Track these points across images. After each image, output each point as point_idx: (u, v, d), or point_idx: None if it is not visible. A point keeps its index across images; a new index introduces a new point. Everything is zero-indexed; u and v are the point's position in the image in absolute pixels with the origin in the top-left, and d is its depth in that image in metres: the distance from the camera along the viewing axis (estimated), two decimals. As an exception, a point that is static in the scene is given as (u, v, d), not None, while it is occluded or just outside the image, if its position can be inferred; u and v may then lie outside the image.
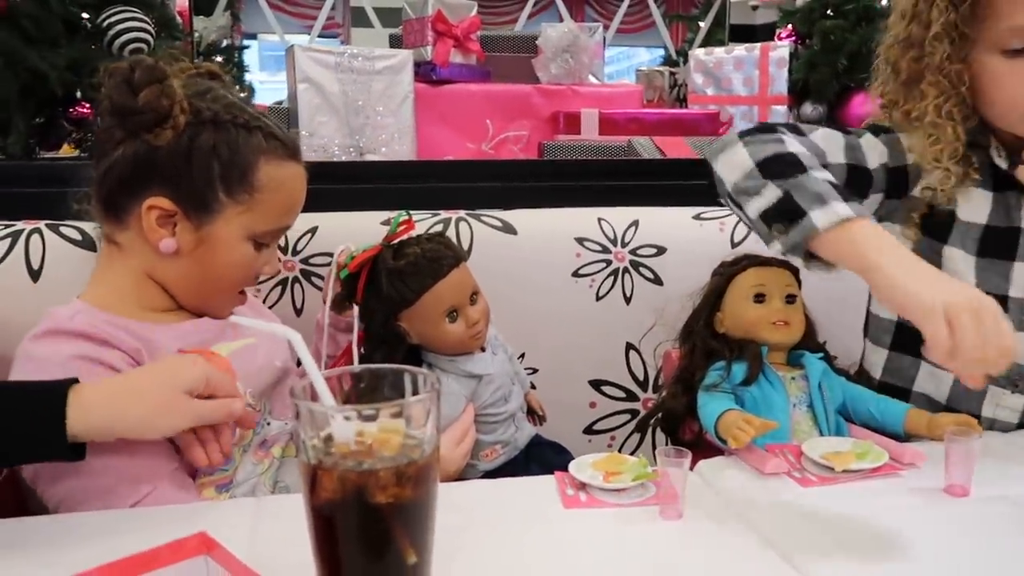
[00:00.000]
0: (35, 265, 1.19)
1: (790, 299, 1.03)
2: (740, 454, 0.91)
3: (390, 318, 1.02)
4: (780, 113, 2.44)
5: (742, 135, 0.92)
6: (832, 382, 1.02)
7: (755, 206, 0.85)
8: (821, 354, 1.04)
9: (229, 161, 0.89)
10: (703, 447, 1.00)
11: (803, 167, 0.84)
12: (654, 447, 1.48)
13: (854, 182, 0.96)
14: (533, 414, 1.19)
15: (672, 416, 1.06)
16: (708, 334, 1.06)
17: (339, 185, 1.52)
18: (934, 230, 0.99)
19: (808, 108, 2.44)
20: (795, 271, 1.08)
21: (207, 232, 0.90)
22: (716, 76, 2.57)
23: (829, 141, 0.97)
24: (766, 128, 0.93)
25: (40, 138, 1.80)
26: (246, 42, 4.75)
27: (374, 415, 0.58)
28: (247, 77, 3.78)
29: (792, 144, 0.89)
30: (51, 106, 1.74)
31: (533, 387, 1.25)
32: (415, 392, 0.62)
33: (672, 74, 2.96)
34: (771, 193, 0.84)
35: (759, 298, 1.03)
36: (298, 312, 1.33)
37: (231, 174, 0.89)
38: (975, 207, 0.99)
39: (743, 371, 1.00)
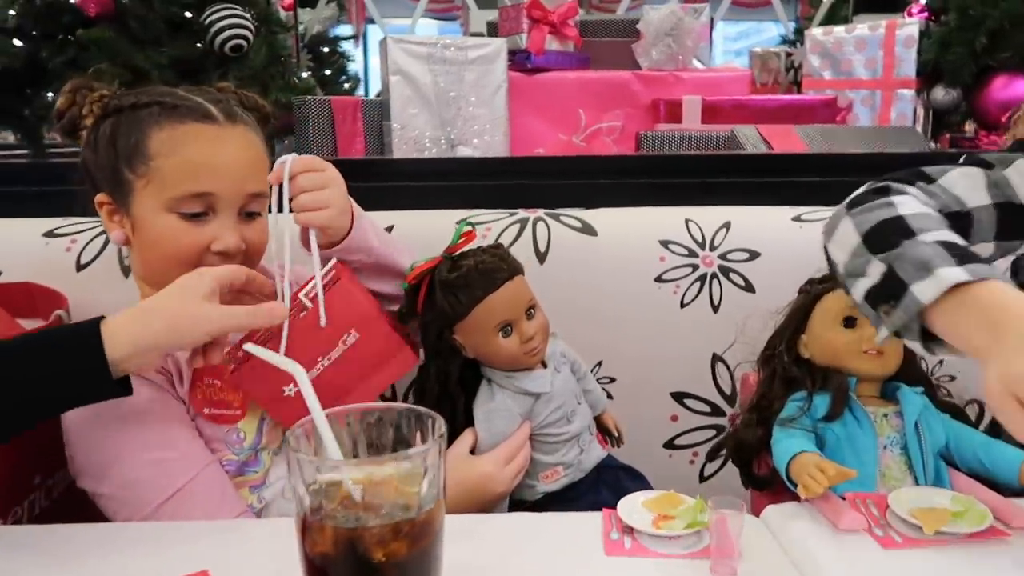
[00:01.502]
0: (127, 262, 1.23)
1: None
2: (815, 503, 0.80)
3: (444, 332, 0.99)
4: (907, 98, 2.21)
5: (850, 204, 0.80)
6: (933, 421, 0.89)
7: (860, 288, 0.73)
8: (922, 387, 0.91)
9: (125, 142, 0.91)
10: (778, 486, 0.90)
11: (910, 232, 0.71)
12: (741, 471, 1.38)
13: (1007, 224, 0.82)
14: (608, 435, 1.13)
15: (745, 448, 0.96)
16: (790, 359, 0.95)
17: (414, 183, 1.49)
18: None
19: (940, 93, 2.20)
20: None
21: (134, 215, 0.92)
22: (835, 57, 2.36)
23: (966, 181, 0.82)
24: (879, 190, 0.81)
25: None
26: (368, 27, 4.82)
27: (370, 466, 0.53)
28: (354, 67, 3.82)
29: (906, 204, 0.76)
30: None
31: (610, 396, 1.17)
32: (422, 437, 0.57)
33: (788, 55, 2.75)
34: (875, 270, 0.72)
35: (849, 322, 0.92)
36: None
37: (128, 153, 0.90)
38: None
39: (826, 405, 0.88)
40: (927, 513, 0.76)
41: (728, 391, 1.36)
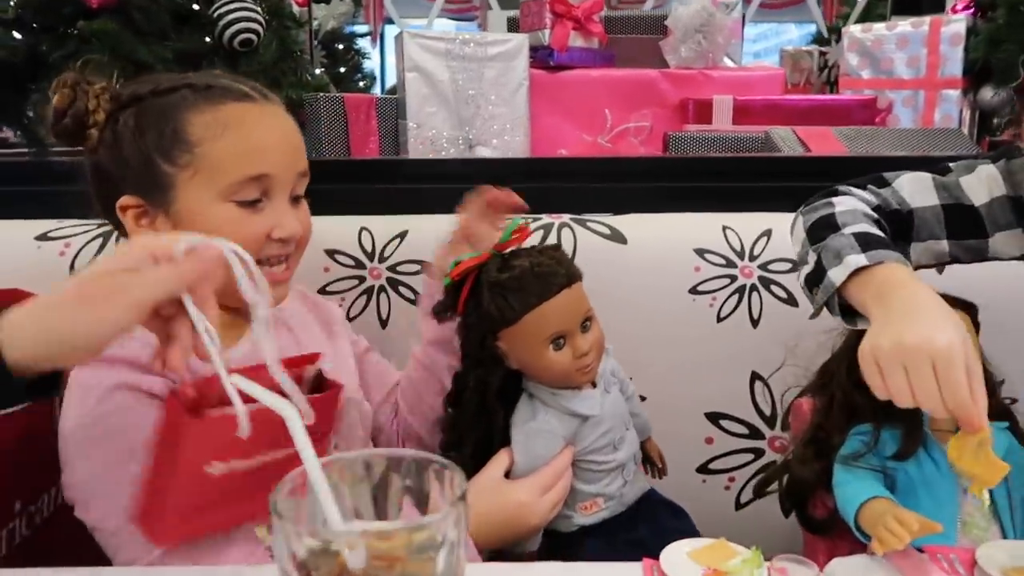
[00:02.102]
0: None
1: (964, 348, 0.80)
2: (891, 558, 0.70)
3: (488, 337, 0.89)
4: (952, 99, 2.10)
5: (805, 204, 0.94)
6: (1021, 460, 0.78)
7: (802, 274, 0.87)
8: (1007, 423, 0.80)
9: (157, 132, 0.81)
10: (839, 530, 0.79)
11: (837, 227, 0.84)
12: (781, 501, 1.28)
13: (957, 223, 0.91)
14: (651, 465, 1.04)
15: (799, 487, 0.86)
16: (851, 385, 0.84)
17: (431, 185, 1.40)
18: None
19: (988, 93, 2.09)
20: (973, 311, 0.84)
21: (176, 211, 0.82)
22: (874, 56, 2.25)
23: (914, 184, 0.93)
24: (829, 192, 0.94)
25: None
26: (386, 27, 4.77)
27: (373, 538, 0.43)
28: (369, 64, 3.75)
29: (842, 204, 0.89)
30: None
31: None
32: (439, 493, 0.47)
33: (822, 54, 2.64)
34: (812, 259, 0.85)
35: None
36: (383, 324, 1.23)
37: (164, 144, 0.81)
38: None
39: (896, 440, 0.78)
40: (1025, 574, 0.65)
41: (768, 412, 1.26)
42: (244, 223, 0.82)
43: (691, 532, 0.96)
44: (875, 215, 0.89)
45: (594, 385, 0.92)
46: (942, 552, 0.71)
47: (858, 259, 0.77)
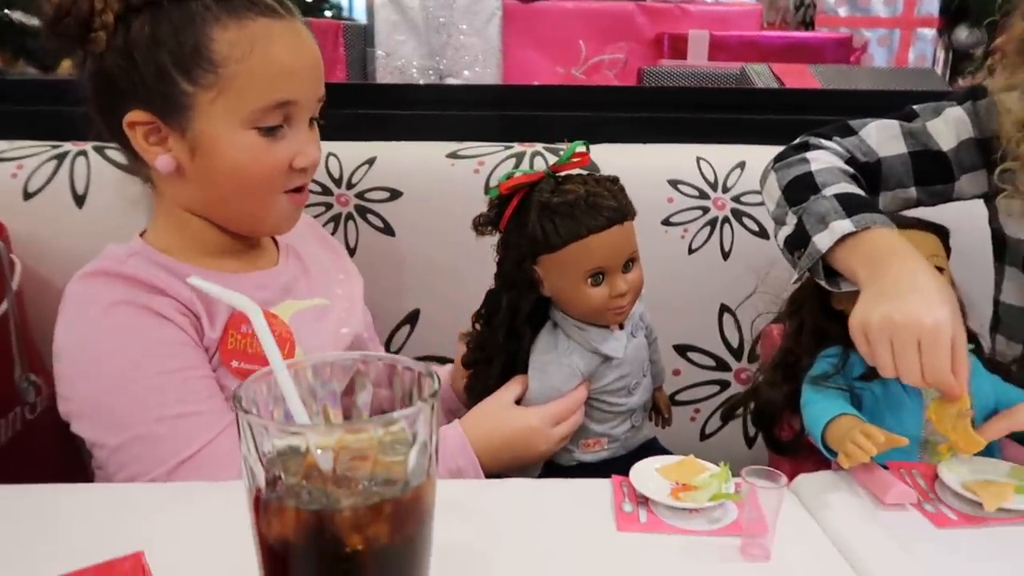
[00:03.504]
0: (80, 190, 1.11)
1: (934, 273, 0.80)
2: (855, 473, 0.71)
3: (527, 259, 0.86)
4: (927, 38, 2.09)
5: (777, 159, 0.93)
6: (982, 381, 0.79)
7: (782, 235, 0.86)
8: (972, 345, 0.81)
9: (176, 44, 0.75)
10: (804, 451, 0.81)
11: (816, 187, 0.84)
12: (746, 434, 1.30)
13: (925, 170, 0.92)
14: (657, 414, 1.03)
15: (768, 409, 0.87)
16: (821, 311, 0.85)
17: (401, 111, 1.36)
18: None
19: (963, 33, 2.08)
20: (944, 235, 0.84)
21: (194, 134, 0.78)
22: (852, -7, 2.22)
23: (882, 133, 0.93)
24: (799, 146, 0.93)
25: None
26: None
27: (343, 432, 0.42)
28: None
29: (818, 160, 0.88)
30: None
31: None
32: (408, 396, 0.46)
33: (799, -8, 2.60)
34: (791, 220, 0.84)
35: (891, 270, 0.81)
36: (352, 251, 1.21)
37: (184, 59, 0.75)
38: None
39: (863, 362, 0.78)
40: (985, 487, 0.66)
41: (736, 344, 1.27)
42: (266, 152, 0.79)
43: None
44: (851, 169, 0.88)
45: (621, 327, 0.90)
46: (904, 467, 0.72)
47: (844, 225, 0.76)
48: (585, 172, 0.88)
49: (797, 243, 0.82)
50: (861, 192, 0.83)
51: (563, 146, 1.27)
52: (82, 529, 0.62)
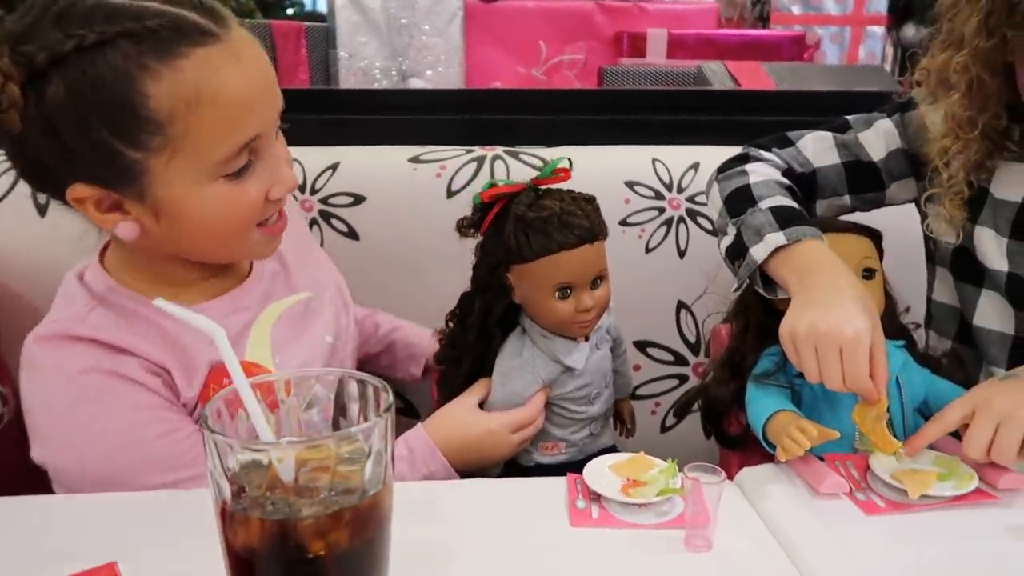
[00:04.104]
0: (42, 199, 1.12)
1: (867, 274, 0.86)
2: (792, 465, 0.76)
3: (500, 266, 0.90)
4: (877, 36, 2.15)
5: (719, 170, 0.99)
6: (913, 375, 0.84)
7: (723, 245, 0.91)
8: (903, 341, 0.86)
9: (106, 110, 0.64)
10: (751, 445, 0.85)
11: (753, 200, 0.88)
12: (703, 424, 1.35)
13: (857, 179, 0.97)
14: (620, 423, 1.07)
15: (716, 405, 0.91)
16: (764, 311, 0.89)
17: (363, 116, 1.38)
18: (967, 207, 0.89)
19: (910, 31, 2.14)
20: (877, 238, 0.89)
21: (155, 199, 0.69)
22: (805, -9, 2.28)
23: (817, 145, 0.98)
24: (739, 158, 0.99)
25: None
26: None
27: (303, 447, 0.45)
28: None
29: (756, 172, 0.93)
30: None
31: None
32: (363, 409, 0.49)
33: (755, -11, 2.66)
34: (731, 231, 0.89)
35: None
36: (316, 257, 1.22)
37: (120, 125, 0.65)
38: (1011, 183, 0.87)
39: (803, 360, 0.82)
40: (910, 476, 0.71)
41: (692, 340, 1.32)
42: (238, 196, 0.71)
43: None
44: (786, 181, 0.94)
45: (587, 339, 0.93)
46: (839, 459, 0.77)
47: (777, 237, 0.82)
48: (564, 188, 0.91)
49: (736, 253, 0.87)
50: (795, 204, 0.88)
51: (524, 149, 1.30)
52: (55, 540, 0.64)
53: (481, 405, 0.91)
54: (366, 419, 0.47)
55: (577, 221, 0.86)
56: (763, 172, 0.93)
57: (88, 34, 0.63)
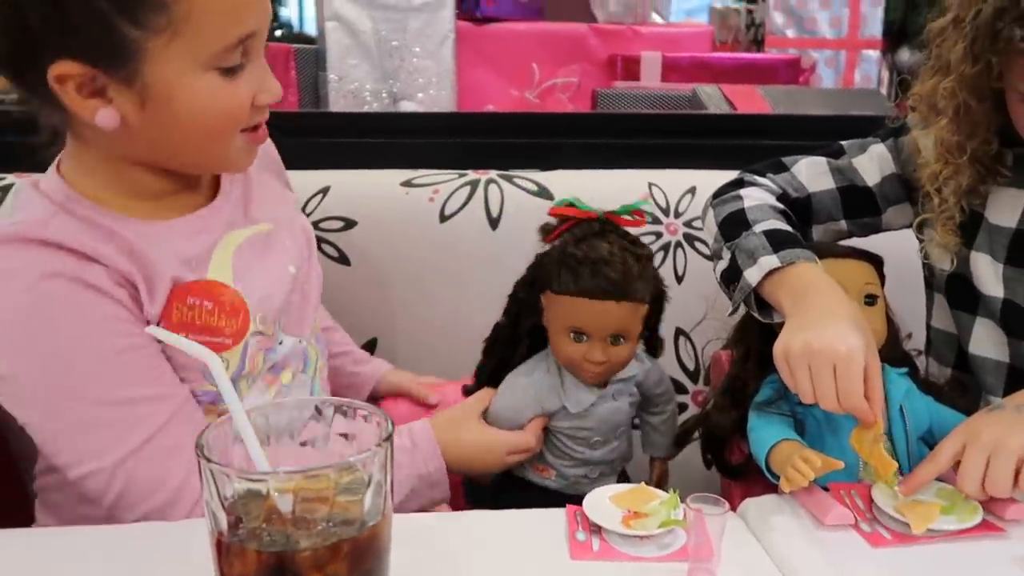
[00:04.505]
0: None
1: (869, 300, 0.87)
2: (797, 496, 0.76)
3: (537, 286, 0.94)
4: (872, 59, 2.19)
5: (715, 195, 1.01)
6: (917, 403, 0.85)
7: (718, 269, 0.93)
8: (906, 368, 0.87)
9: None
10: (753, 475, 0.86)
11: (748, 224, 0.90)
12: (703, 455, 1.35)
13: (852, 204, 0.99)
14: (657, 485, 1.02)
15: (717, 434, 0.92)
16: (764, 337, 0.90)
17: (354, 139, 1.39)
18: (961, 233, 0.90)
19: (905, 55, 2.19)
20: (878, 264, 0.90)
21: (145, 84, 0.69)
22: (799, 15, 2.33)
23: (811, 170, 1.00)
24: (734, 183, 1.01)
25: None
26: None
27: (302, 477, 0.45)
28: (286, 13, 3.63)
29: (751, 197, 0.95)
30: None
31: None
32: (361, 438, 0.50)
33: (749, 12, 2.71)
34: (726, 256, 0.91)
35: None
36: (306, 282, 1.23)
37: (127, 2, 0.66)
38: (1005, 208, 0.89)
39: (806, 387, 0.83)
40: (913, 509, 0.72)
41: (691, 367, 1.33)
42: (228, 92, 0.72)
43: None
44: (781, 206, 0.96)
45: (604, 385, 0.94)
46: (844, 489, 0.77)
47: (771, 260, 0.83)
48: (628, 234, 0.92)
49: (731, 277, 0.89)
50: (788, 228, 0.89)
51: (518, 172, 1.31)
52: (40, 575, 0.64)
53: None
54: (364, 449, 0.47)
55: (611, 274, 0.87)
56: (757, 196, 0.95)
57: None
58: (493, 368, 0.98)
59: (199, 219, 0.81)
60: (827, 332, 0.74)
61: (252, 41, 0.72)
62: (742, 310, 0.95)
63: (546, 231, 0.95)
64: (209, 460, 0.44)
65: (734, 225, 0.91)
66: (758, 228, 0.88)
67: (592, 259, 0.87)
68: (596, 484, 0.95)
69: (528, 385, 0.94)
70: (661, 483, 1.04)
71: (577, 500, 0.74)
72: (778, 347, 0.76)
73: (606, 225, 0.91)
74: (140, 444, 0.72)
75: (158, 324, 0.75)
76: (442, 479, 0.89)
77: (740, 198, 0.95)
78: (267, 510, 0.45)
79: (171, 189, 0.80)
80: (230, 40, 0.70)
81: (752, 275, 0.84)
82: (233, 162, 0.80)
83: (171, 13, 0.67)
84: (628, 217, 0.93)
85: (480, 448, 0.92)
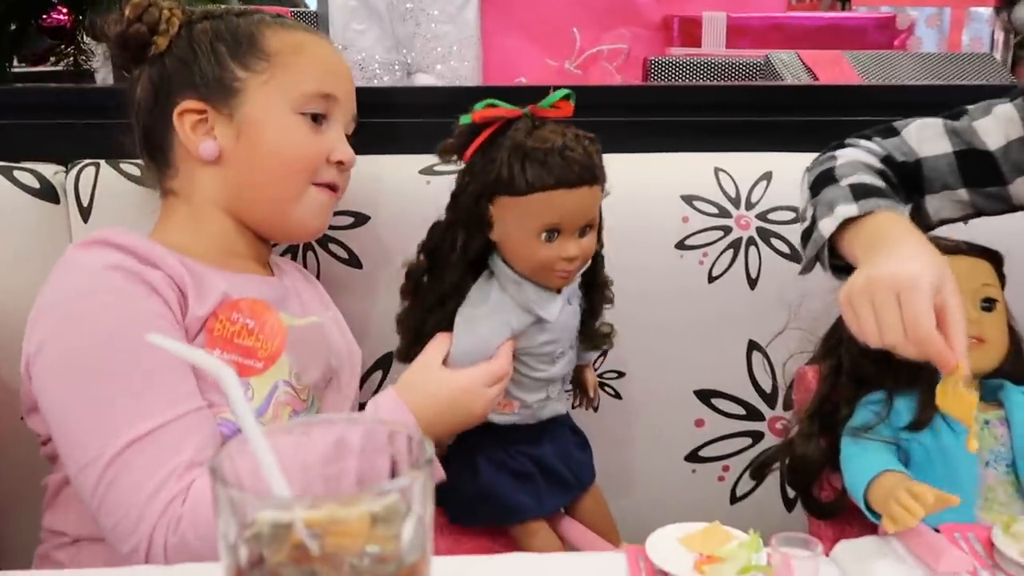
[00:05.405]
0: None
1: (986, 304, 0.88)
2: (903, 537, 0.77)
3: (484, 196, 0.98)
4: (983, 18, 2.19)
5: (813, 160, 1.06)
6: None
7: (800, 230, 0.97)
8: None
9: (233, 39, 1.01)
10: (847, 514, 0.87)
11: (834, 179, 0.95)
12: (783, 492, 1.36)
13: (971, 170, 1.00)
14: (583, 393, 1.19)
15: (804, 465, 0.93)
16: (860, 351, 0.91)
17: (364, 119, 1.42)
18: None
19: (1022, 11, 2.18)
20: (997, 261, 0.91)
21: (242, 117, 1.00)
22: (894, -34, 2.33)
23: (923, 132, 1.03)
24: (835, 146, 1.05)
25: (13, 48, 1.80)
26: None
27: (332, 505, 0.47)
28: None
29: (844, 155, 1.00)
30: (22, 12, 1.74)
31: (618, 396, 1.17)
32: (397, 464, 0.52)
33: (832, -36, 2.72)
34: (809, 214, 0.95)
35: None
36: (317, 276, 1.26)
37: (239, 49, 1.01)
38: None
39: (911, 409, 0.85)
40: (1045, 553, 0.72)
41: (768, 389, 1.34)
42: (308, 138, 1.01)
43: (593, 466, 1.15)
44: (879, 166, 0.99)
45: (559, 291, 1.02)
46: (959, 530, 0.78)
47: (848, 209, 0.86)
48: (564, 123, 0.99)
49: (808, 233, 0.93)
50: (880, 183, 0.93)
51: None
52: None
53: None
54: (400, 474, 0.49)
55: (579, 158, 0.95)
56: (851, 155, 1.00)
57: (234, 9, 1.05)
58: (426, 313, 1.03)
59: (264, 281, 1.06)
60: (891, 260, 0.78)
61: (334, 105, 1.04)
62: (833, 317, 0.96)
63: (456, 147, 0.99)
64: (227, 484, 0.46)
65: (822, 183, 0.96)
66: (844, 182, 0.92)
67: (557, 148, 0.93)
68: (554, 405, 1.09)
69: (490, 312, 1.00)
70: (595, 391, 1.19)
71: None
72: (842, 291, 0.79)
73: (535, 120, 0.97)
74: (145, 432, 0.85)
75: (199, 331, 0.94)
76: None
77: (834, 158, 1.00)
78: (292, 545, 0.47)
79: (242, 251, 1.06)
80: (316, 90, 1.02)
81: (826, 225, 0.88)
82: (303, 214, 1.05)
83: (271, 60, 1.01)
84: (556, 108, 0.98)
85: (456, 395, 0.98)
